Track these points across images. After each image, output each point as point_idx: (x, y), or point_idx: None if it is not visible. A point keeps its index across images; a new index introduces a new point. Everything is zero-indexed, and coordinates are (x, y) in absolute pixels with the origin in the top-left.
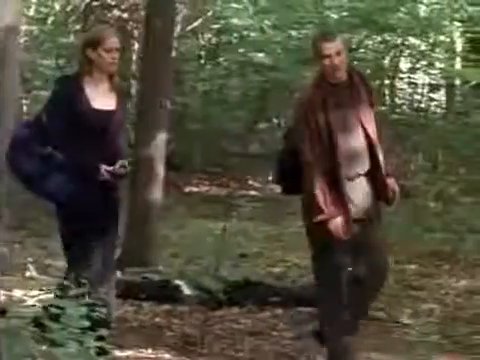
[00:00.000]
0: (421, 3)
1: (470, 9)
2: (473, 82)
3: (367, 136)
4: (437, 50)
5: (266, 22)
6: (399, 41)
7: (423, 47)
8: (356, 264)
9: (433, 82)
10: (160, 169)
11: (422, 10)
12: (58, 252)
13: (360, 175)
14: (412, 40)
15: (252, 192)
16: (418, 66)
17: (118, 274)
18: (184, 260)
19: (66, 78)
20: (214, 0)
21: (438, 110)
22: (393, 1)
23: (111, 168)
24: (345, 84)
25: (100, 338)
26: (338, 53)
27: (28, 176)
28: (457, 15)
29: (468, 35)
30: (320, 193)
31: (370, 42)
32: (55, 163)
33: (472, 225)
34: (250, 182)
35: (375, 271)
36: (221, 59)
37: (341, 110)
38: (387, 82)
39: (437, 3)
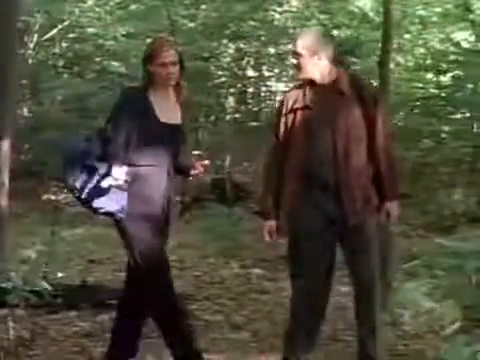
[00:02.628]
0: (274, 11)
1: (322, 17)
2: None
3: (334, 144)
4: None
5: (121, 31)
6: (253, 49)
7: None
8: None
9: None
10: (5, 178)
11: (276, 18)
12: None
13: (327, 185)
14: (267, 48)
15: None
16: (272, 74)
17: None
18: (30, 266)
19: (132, 90)
20: (71, 9)
21: None
22: (247, 10)
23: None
24: (328, 88)
25: None
26: (295, 54)
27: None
28: (310, 23)
29: None
30: (267, 192)
31: (225, 50)
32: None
33: None
34: None
35: (358, 283)
36: (77, 68)
37: (313, 113)
38: (250, 90)
39: (290, 11)
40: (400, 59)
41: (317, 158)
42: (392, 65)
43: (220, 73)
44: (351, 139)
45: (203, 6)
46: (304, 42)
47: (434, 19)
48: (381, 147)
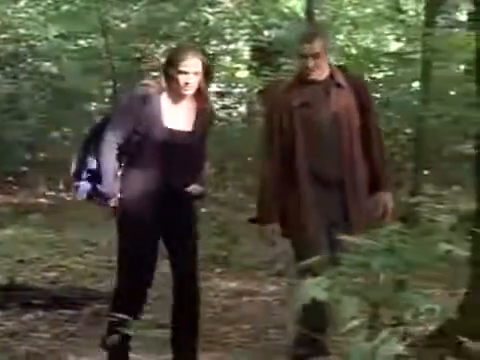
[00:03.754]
0: (206, 12)
1: (253, 17)
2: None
3: (340, 140)
4: (221, 58)
5: (53, 32)
6: None
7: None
8: None
9: (219, 90)
10: None
11: (208, 19)
12: None
13: (330, 181)
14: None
15: (42, 200)
16: None
17: None
18: None
19: (139, 93)
20: (3, 10)
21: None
22: (179, 11)
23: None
24: (324, 84)
25: None
26: (314, 55)
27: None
28: (241, 23)
29: (252, 43)
30: (272, 196)
31: (157, 51)
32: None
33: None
34: (40, 190)
35: None
36: (9, 68)
37: (309, 110)
38: None
39: (221, 12)
40: (331, 59)
41: (325, 155)
42: None
43: (154, 74)
44: (353, 132)
45: (135, 7)
46: (320, 42)
47: (365, 20)
48: (375, 138)
